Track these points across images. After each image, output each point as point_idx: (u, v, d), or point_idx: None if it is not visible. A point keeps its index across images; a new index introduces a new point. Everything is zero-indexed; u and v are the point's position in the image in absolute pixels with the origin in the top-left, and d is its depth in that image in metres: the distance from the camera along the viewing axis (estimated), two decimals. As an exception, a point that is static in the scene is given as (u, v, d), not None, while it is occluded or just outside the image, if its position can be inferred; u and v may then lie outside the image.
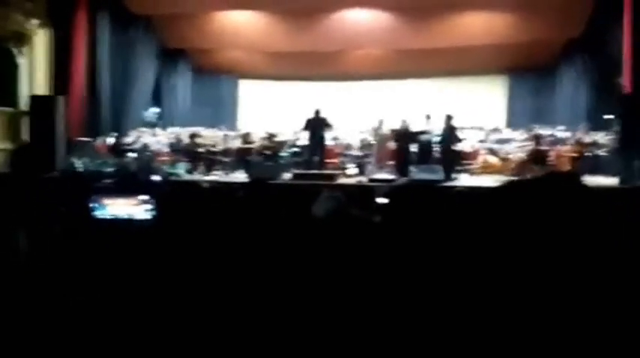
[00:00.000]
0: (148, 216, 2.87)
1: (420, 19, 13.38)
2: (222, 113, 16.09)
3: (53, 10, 10.93)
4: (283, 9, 13.46)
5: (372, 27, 13.71)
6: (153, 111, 15.40)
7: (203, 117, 15.71)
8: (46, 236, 2.19)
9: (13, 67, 10.57)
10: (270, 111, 15.70)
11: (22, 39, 10.55)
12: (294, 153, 11.23)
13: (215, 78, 16.88)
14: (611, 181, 8.96)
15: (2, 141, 10.17)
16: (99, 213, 2.96)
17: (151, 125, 14.56)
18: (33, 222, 2.38)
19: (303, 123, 10.41)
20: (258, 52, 15.87)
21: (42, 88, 10.92)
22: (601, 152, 10.76)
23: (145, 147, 11.14)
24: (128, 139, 11.91)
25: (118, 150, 10.96)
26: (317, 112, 10.23)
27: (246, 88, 17.15)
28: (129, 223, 2.85)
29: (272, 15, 13.99)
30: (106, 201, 2.98)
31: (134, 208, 2.94)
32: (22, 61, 10.65)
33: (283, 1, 12.27)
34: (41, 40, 10.89)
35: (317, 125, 10.22)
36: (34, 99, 10.53)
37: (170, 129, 14.02)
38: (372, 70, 15.56)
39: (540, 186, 1.56)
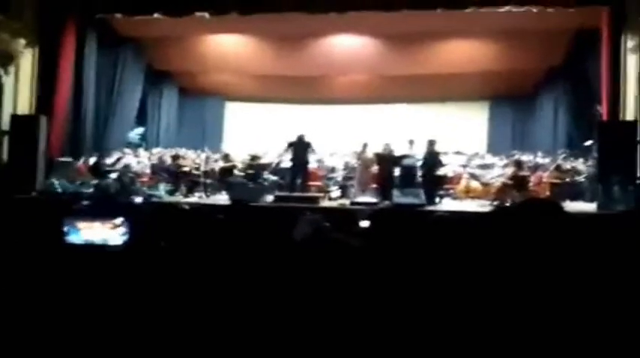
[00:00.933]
0: (121, 240, 2.81)
1: (405, 47, 13.62)
2: (208, 135, 16.10)
3: (41, 30, 10.90)
4: (270, 33, 13.60)
5: (357, 53, 13.92)
6: (137, 131, 15.33)
7: (188, 139, 15.70)
8: (14, 261, 2.12)
9: (-2, 86, 10.48)
10: (255, 134, 15.73)
11: (9, 58, 10.48)
12: (276, 175, 11.22)
13: (201, 99, 16.93)
14: (590, 207, 9.08)
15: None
16: (72, 238, 2.87)
17: (135, 146, 14.48)
18: (2, 246, 2.30)
19: (285, 145, 10.49)
20: (244, 75, 15.97)
21: (26, 107, 10.81)
22: (580, 178, 10.93)
23: (127, 167, 11.02)
24: (110, 160, 11.78)
25: (99, 170, 10.82)
26: (300, 137, 10.29)
27: (233, 110, 17.19)
28: (102, 248, 2.78)
29: (259, 39, 14.13)
30: (80, 225, 2.90)
31: (108, 232, 2.87)
32: (6, 80, 10.55)
33: (270, 26, 12.41)
34: (27, 59, 10.83)
35: (300, 149, 10.26)
36: (16, 118, 10.42)
37: (154, 150, 13.95)
38: (356, 95, 15.74)
39: (521, 213, 1.57)
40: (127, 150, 13.28)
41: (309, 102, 16.23)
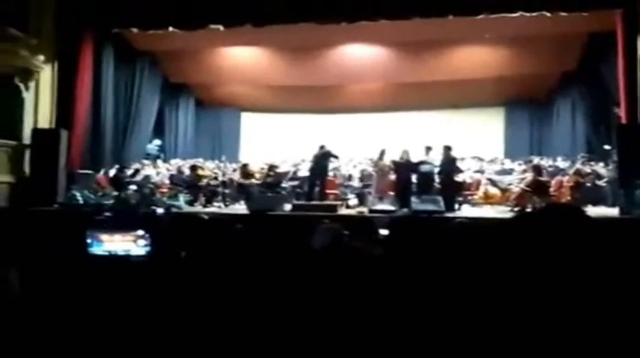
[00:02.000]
0: (144, 251, 2.85)
1: (417, 54, 13.62)
2: (225, 145, 16.27)
3: (59, 46, 11.15)
4: (284, 45, 13.71)
5: (370, 62, 13.95)
6: (155, 143, 15.53)
7: (205, 150, 15.89)
8: (38, 273, 2.16)
9: (19, 101, 10.70)
10: (271, 143, 15.84)
11: (29, 74, 10.74)
12: (294, 186, 11.25)
13: (217, 111, 17.12)
14: (612, 212, 8.91)
15: (5, 175, 10.19)
16: (95, 249, 2.93)
17: (154, 157, 14.66)
18: (26, 258, 2.35)
19: (310, 159, 10.56)
20: (259, 86, 16.11)
21: (46, 121, 11.04)
22: (601, 182, 10.75)
23: (147, 179, 11.15)
24: (129, 171, 11.94)
25: (119, 182, 10.96)
26: (322, 147, 10.37)
27: (248, 121, 17.34)
28: (125, 259, 2.82)
29: (273, 50, 14.26)
30: (102, 237, 2.96)
31: (130, 244, 2.91)
32: (27, 95, 10.79)
33: (284, 37, 12.50)
34: (47, 75, 11.07)
35: (320, 158, 10.31)
36: (37, 132, 10.62)
37: (172, 161, 14.12)
38: (371, 103, 15.75)
39: (544, 219, 1.56)
40: (145, 162, 13.47)
41: (324, 112, 16.28)
